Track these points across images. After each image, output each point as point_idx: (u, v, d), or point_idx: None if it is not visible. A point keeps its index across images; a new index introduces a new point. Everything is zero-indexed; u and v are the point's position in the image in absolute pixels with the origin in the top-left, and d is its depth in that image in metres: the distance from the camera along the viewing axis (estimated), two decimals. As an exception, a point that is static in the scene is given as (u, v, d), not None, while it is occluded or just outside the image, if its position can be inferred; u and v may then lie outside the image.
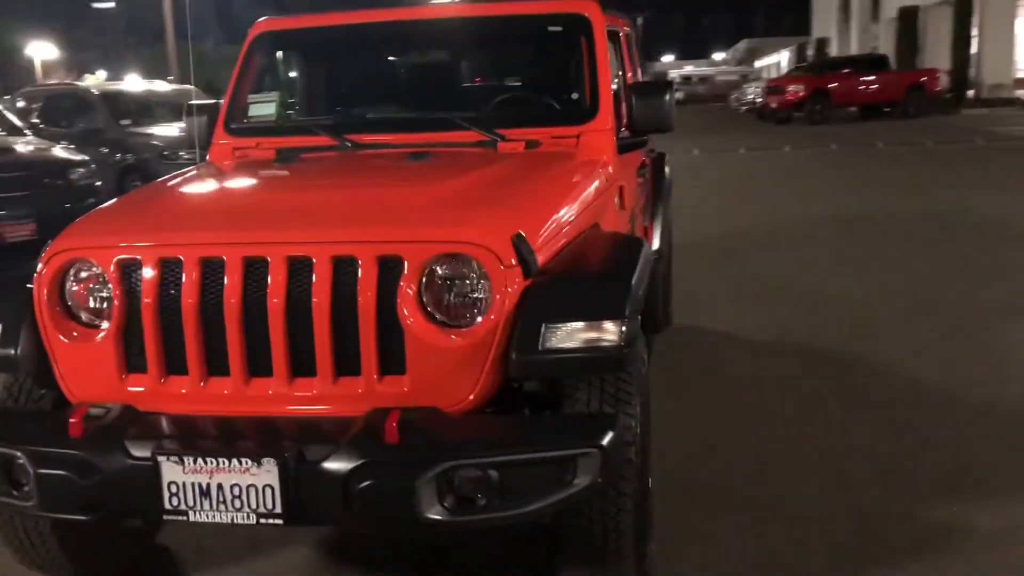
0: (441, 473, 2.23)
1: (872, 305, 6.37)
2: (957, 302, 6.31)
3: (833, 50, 43.85)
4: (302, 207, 2.73)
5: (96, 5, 40.68)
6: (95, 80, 29.13)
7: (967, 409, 4.32)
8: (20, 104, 13.59)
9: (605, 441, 2.30)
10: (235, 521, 2.32)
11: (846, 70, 27.48)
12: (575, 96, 3.82)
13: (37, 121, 11.64)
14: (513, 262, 2.43)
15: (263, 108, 3.89)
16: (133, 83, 18.24)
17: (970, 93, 28.99)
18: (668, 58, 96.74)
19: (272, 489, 2.28)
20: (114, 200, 3.17)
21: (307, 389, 2.47)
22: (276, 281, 2.43)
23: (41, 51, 49.09)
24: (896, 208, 10.58)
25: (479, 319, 2.43)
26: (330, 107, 4.10)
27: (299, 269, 2.44)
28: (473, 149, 3.46)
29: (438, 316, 2.43)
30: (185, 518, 2.34)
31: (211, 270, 2.47)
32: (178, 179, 3.26)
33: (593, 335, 2.40)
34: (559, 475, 2.28)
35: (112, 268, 2.53)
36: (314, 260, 2.43)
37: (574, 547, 2.56)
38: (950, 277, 7.06)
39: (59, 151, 8.56)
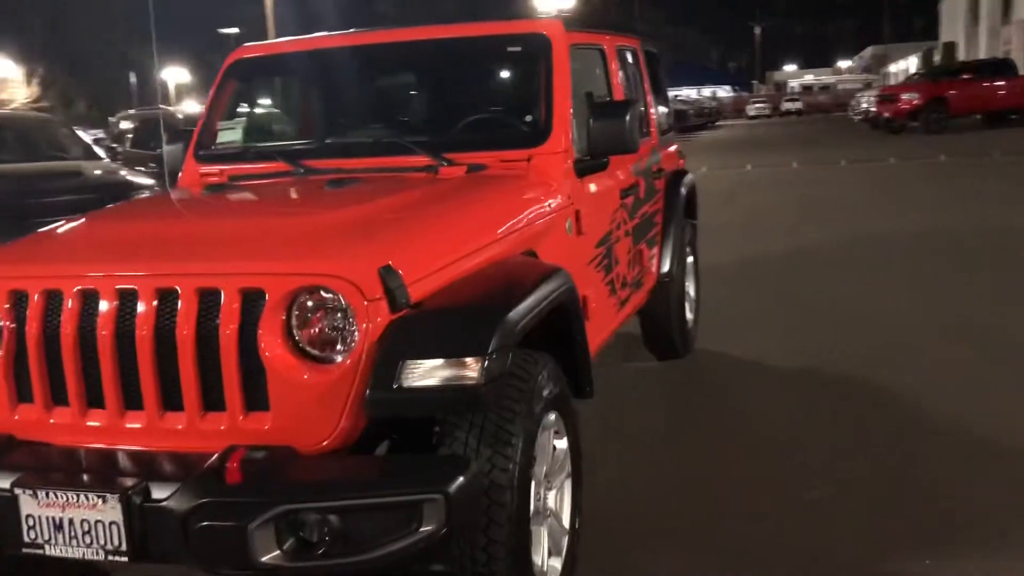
0: (278, 516, 2.16)
1: (928, 337, 5.87)
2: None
3: (961, 54, 41.77)
4: (185, 238, 2.71)
5: (223, 31, 42.56)
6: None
7: None
8: (123, 126, 14.31)
9: (452, 487, 2.19)
10: (86, 557, 2.30)
11: (966, 76, 26.07)
12: (528, 119, 3.70)
13: (125, 145, 12.19)
14: (378, 295, 2.34)
15: (231, 135, 3.92)
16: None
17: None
18: (791, 67, 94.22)
19: (117, 526, 2.25)
20: (39, 231, 3.24)
21: (176, 424, 2.44)
22: (145, 313, 2.41)
23: (175, 76, 51.83)
24: (991, 224, 9.88)
25: (342, 355, 2.35)
26: (294, 132, 4.11)
27: (167, 301, 2.41)
28: (413, 174, 3.39)
29: (303, 351, 2.36)
30: (42, 551, 2.34)
31: (88, 302, 2.48)
32: (106, 210, 3.30)
33: (452, 372, 2.29)
34: (404, 521, 2.18)
35: (3, 297, 2.57)
36: (180, 291, 2.40)
37: None
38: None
39: (127, 174, 8.92)
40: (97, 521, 2.26)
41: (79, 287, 2.48)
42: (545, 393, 2.62)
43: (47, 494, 2.30)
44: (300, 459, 2.32)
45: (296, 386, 2.34)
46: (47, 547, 2.33)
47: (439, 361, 2.28)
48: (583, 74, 4.06)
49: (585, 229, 3.60)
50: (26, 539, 2.34)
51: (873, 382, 4.93)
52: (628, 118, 3.53)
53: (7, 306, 2.56)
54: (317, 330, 2.37)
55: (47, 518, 2.31)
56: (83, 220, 3.03)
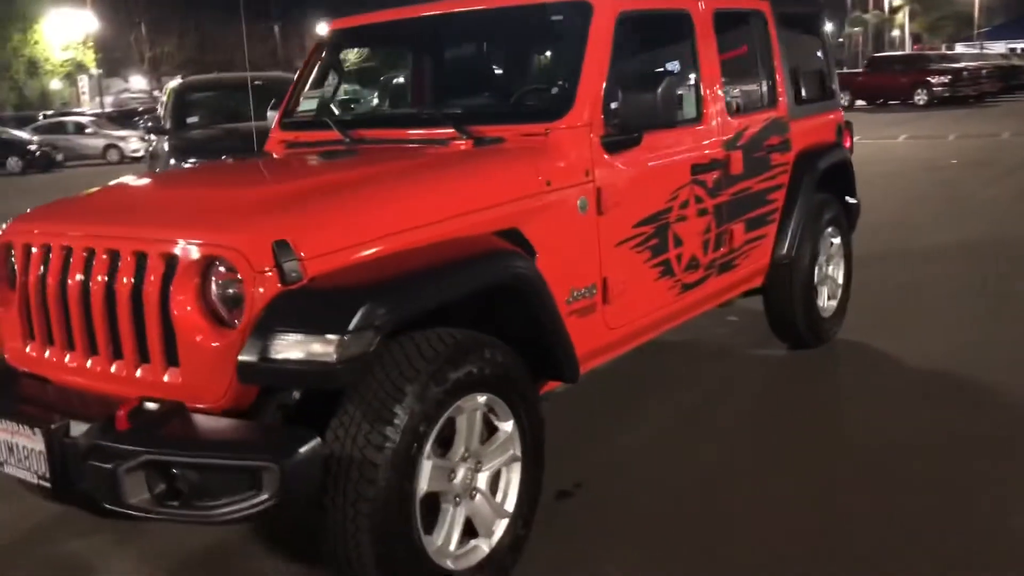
0: (144, 464, 2.36)
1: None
2: None
3: None
4: (146, 206, 2.97)
5: None
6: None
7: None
8: None
9: (288, 458, 2.27)
10: (26, 479, 2.65)
11: None
12: (554, 91, 3.58)
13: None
14: (268, 268, 2.45)
15: (309, 103, 4.16)
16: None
17: None
18: None
19: (43, 455, 2.57)
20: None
21: (119, 370, 2.72)
22: (96, 269, 2.71)
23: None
24: None
25: (236, 322, 2.49)
26: (365, 101, 4.27)
27: (114, 261, 2.69)
28: (422, 147, 3.44)
29: (205, 314, 2.54)
30: (2, 469, 2.73)
31: (67, 257, 2.82)
32: (127, 178, 3.64)
33: (312, 348, 2.35)
34: (247, 485, 2.30)
35: (18, 251, 2.99)
36: (120, 252, 2.66)
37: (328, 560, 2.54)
38: None
39: None
40: (31, 449, 2.60)
41: (62, 244, 2.83)
42: (459, 374, 2.60)
43: (3, 419, 2.68)
44: (183, 415, 2.50)
45: (197, 346, 2.52)
46: (5, 465, 2.71)
47: (301, 336, 2.36)
48: (652, 44, 3.85)
49: (613, 207, 3.44)
50: (-6, 456, 2.74)
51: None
52: (660, 91, 3.32)
53: (21, 258, 2.97)
54: (216, 296, 2.53)
55: (2, 441, 2.69)
56: (103, 187, 3.39)
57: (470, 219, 2.95)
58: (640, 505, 3.48)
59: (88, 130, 28.43)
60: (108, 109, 39.75)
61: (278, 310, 2.41)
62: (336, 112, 4.16)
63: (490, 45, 4.14)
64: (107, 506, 2.42)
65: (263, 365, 2.38)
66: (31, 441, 2.60)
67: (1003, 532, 3.13)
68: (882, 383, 4.66)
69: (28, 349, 3.00)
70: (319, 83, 4.25)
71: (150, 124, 10.34)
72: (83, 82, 45.22)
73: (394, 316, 2.44)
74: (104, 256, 2.70)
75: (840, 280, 5.33)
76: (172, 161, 8.55)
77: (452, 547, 2.72)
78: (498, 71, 4.13)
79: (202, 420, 2.49)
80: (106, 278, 2.69)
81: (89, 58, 41.09)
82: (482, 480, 2.83)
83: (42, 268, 2.88)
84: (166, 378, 2.60)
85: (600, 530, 3.30)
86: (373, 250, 2.65)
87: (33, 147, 25.80)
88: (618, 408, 4.50)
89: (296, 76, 4.29)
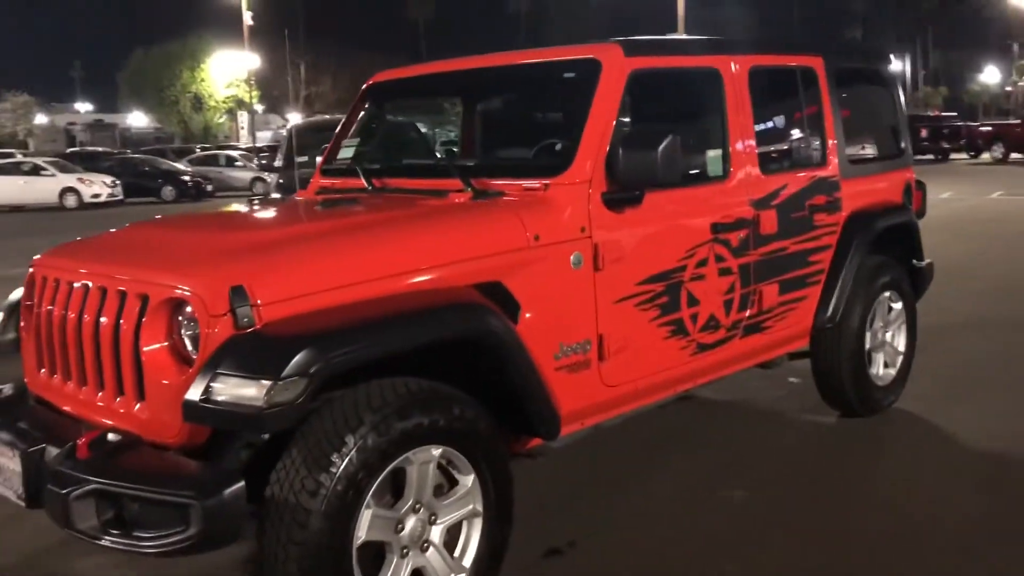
0: (92, 492, 2.50)
1: None
2: None
3: None
4: (142, 248, 3.12)
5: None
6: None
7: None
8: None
9: (211, 497, 2.37)
10: (9, 497, 2.84)
11: None
12: (558, 147, 3.59)
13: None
14: (222, 312, 2.57)
15: (347, 152, 4.32)
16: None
17: None
18: None
19: (19, 475, 2.76)
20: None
21: (102, 400, 2.89)
22: (90, 305, 2.90)
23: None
24: None
25: (192, 362, 2.61)
26: (395, 151, 4.39)
27: (103, 297, 2.87)
28: (421, 197, 3.52)
29: (173, 354, 2.68)
30: None
31: (63, 291, 3.03)
32: (145, 221, 3.83)
33: (244, 392, 2.44)
34: (178, 519, 2.41)
35: (39, 283, 3.23)
36: (107, 291, 2.85)
37: None
38: None
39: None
40: (13, 470, 2.80)
41: (67, 279, 3.05)
42: (407, 425, 2.63)
43: (-4, 443, 2.89)
44: (137, 448, 2.64)
45: (157, 382, 2.66)
46: (-4, 484, 2.92)
47: (236, 380, 2.46)
48: (671, 102, 3.82)
49: (613, 264, 3.41)
50: (-13, 475, 2.96)
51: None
52: (661, 150, 3.29)
53: (30, 289, 3.22)
54: (177, 336, 2.67)
55: (-4, 461, 2.91)
56: (119, 229, 3.59)
57: (448, 271, 2.99)
58: (632, 569, 3.40)
59: (238, 163, 30.14)
60: (262, 144, 42.03)
61: (224, 353, 2.52)
62: (368, 161, 4.29)
63: (507, 101, 4.22)
64: (66, 529, 2.57)
65: (202, 406, 2.49)
66: (12, 462, 2.80)
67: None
68: (925, 461, 4.39)
69: (41, 374, 3.23)
70: (360, 132, 4.41)
71: (263, 162, 10.93)
72: (243, 118, 47.98)
73: (331, 365, 2.50)
74: (96, 293, 2.90)
75: (901, 348, 5.07)
76: (276, 197, 9.01)
77: (395, 599, 2.74)
78: (514, 126, 4.19)
79: (149, 455, 2.62)
80: (95, 314, 2.88)
81: (249, 95, 43.65)
82: (435, 533, 2.84)
83: (52, 300, 3.10)
84: (135, 410, 2.75)
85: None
86: (333, 299, 2.73)
87: (186, 178, 27.59)
88: (637, 463, 4.42)
89: (341, 124, 4.46)
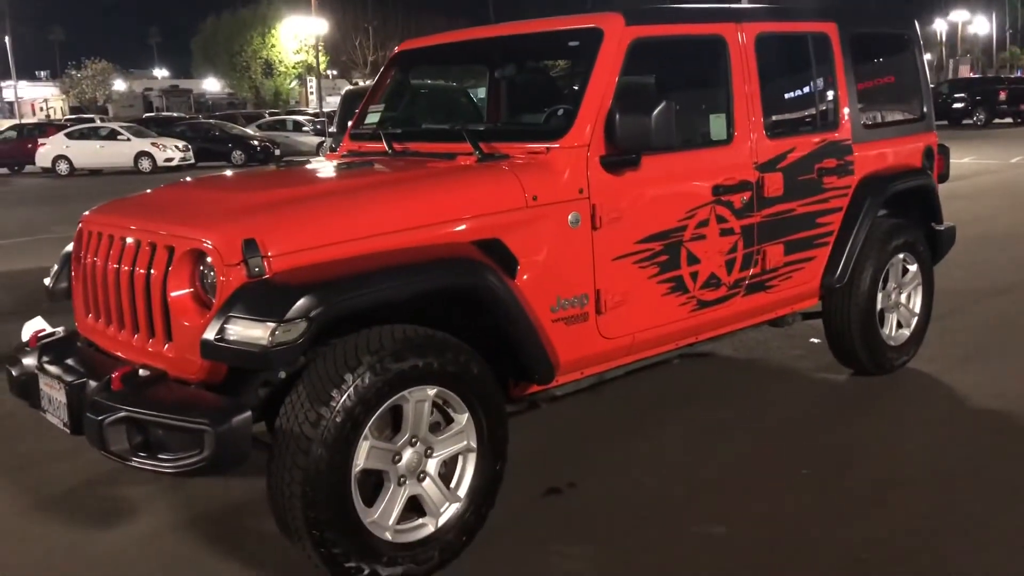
0: (123, 419, 2.83)
1: None
2: None
3: None
4: (174, 205, 3.43)
5: None
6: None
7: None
8: None
9: (222, 424, 2.68)
10: (57, 425, 3.21)
11: None
12: (560, 112, 3.79)
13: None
14: (236, 262, 2.86)
15: (373, 117, 4.59)
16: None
17: None
18: None
19: (65, 405, 3.12)
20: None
21: (136, 341, 3.22)
22: (127, 256, 3.23)
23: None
24: None
25: (211, 306, 2.92)
26: (419, 117, 4.64)
27: (138, 249, 3.20)
28: (431, 160, 3.76)
29: (195, 300, 2.99)
30: (46, 413, 3.30)
31: (105, 244, 3.37)
32: (187, 179, 4.16)
33: (252, 333, 2.74)
34: (194, 443, 2.73)
35: (85, 237, 3.58)
36: (141, 243, 3.17)
37: None
38: None
39: None
40: (59, 400, 3.16)
41: (108, 233, 3.38)
42: (403, 366, 2.91)
43: (45, 376, 3.26)
44: (164, 382, 2.96)
45: (181, 324, 2.98)
46: (47, 413, 3.29)
47: (245, 321, 2.75)
48: (675, 69, 3.98)
49: (610, 223, 3.62)
50: (42, 404, 3.33)
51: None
52: (654, 115, 3.48)
53: (85, 243, 3.57)
54: (198, 283, 2.98)
55: (44, 392, 3.27)
56: (157, 188, 3.91)
57: (448, 228, 3.24)
58: (628, 507, 3.64)
59: (304, 128, 30.77)
60: (330, 109, 42.67)
61: (236, 298, 2.82)
62: (391, 125, 4.54)
63: (521, 68, 4.43)
64: (101, 451, 2.92)
65: (216, 345, 2.80)
66: (59, 394, 3.16)
67: None
68: (932, 417, 4.52)
69: (87, 318, 3.58)
70: (389, 98, 4.67)
71: (318, 127, 11.31)
72: (311, 83, 48.77)
73: (330, 309, 2.78)
74: (132, 245, 3.22)
75: (917, 309, 5.17)
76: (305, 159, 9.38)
77: (391, 521, 3.03)
78: (528, 92, 4.41)
79: (174, 388, 2.95)
80: (130, 264, 3.21)
81: (317, 60, 44.37)
82: (431, 465, 3.12)
83: (95, 252, 3.45)
84: (164, 349, 3.07)
85: (576, 527, 3.48)
86: (338, 252, 3.01)
87: (255, 142, 28.29)
88: (644, 415, 4.63)
89: (369, 91, 4.73)
